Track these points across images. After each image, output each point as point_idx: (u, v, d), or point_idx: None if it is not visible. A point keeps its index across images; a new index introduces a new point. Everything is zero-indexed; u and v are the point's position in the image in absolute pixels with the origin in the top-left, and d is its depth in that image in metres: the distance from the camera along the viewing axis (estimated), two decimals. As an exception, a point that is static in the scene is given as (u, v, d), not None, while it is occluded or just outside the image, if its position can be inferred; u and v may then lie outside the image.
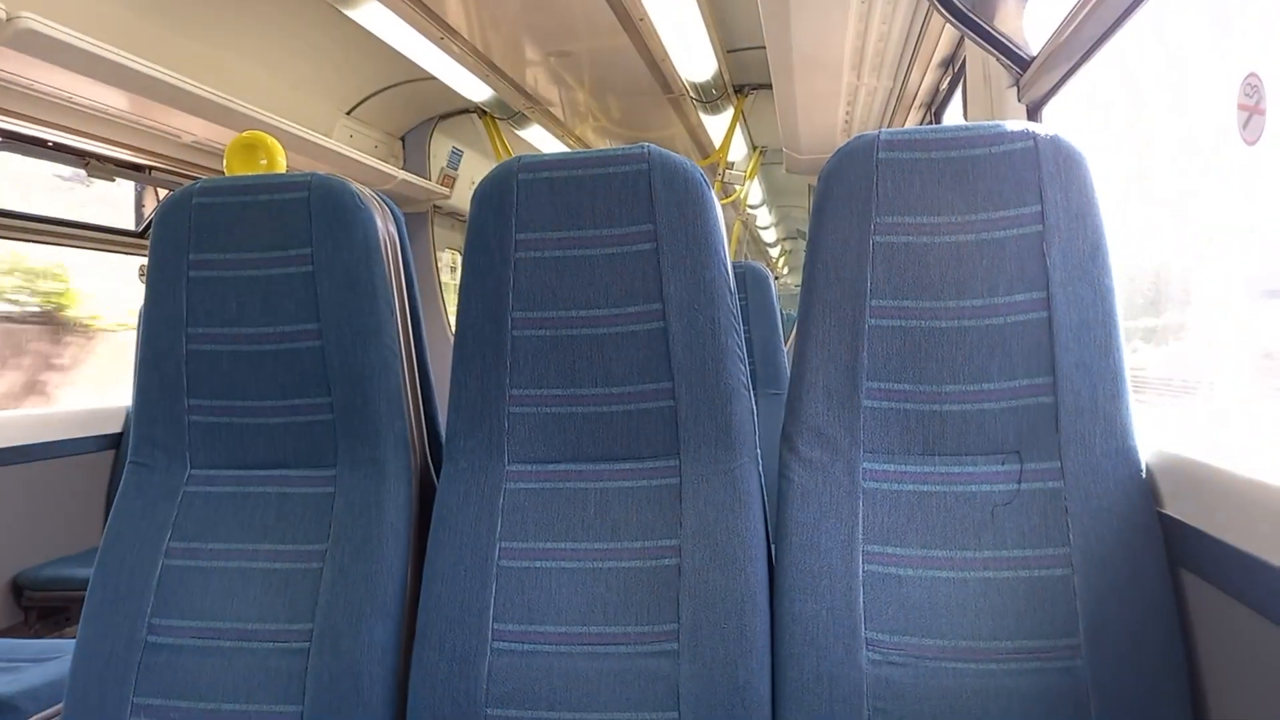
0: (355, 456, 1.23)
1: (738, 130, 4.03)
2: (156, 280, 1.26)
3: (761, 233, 8.42)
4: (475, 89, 3.47)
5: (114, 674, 1.16)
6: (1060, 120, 1.70)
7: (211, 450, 1.26)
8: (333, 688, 1.12)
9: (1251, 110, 1.06)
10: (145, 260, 1.30)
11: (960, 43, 2.31)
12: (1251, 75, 1.06)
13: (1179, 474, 1.03)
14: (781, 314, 2.71)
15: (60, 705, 1.20)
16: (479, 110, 3.94)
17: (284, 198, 1.24)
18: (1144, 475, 1.05)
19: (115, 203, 3.61)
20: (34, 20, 1.81)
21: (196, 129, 2.58)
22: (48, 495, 2.77)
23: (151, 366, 1.26)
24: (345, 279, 1.22)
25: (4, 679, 1.67)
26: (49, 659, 1.84)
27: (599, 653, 1.10)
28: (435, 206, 4.28)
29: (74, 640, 1.20)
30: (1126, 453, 1.06)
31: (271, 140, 2.09)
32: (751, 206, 6.61)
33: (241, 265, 1.24)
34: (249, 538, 1.22)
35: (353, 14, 2.65)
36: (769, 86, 3.00)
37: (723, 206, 1.23)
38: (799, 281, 1.20)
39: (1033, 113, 1.76)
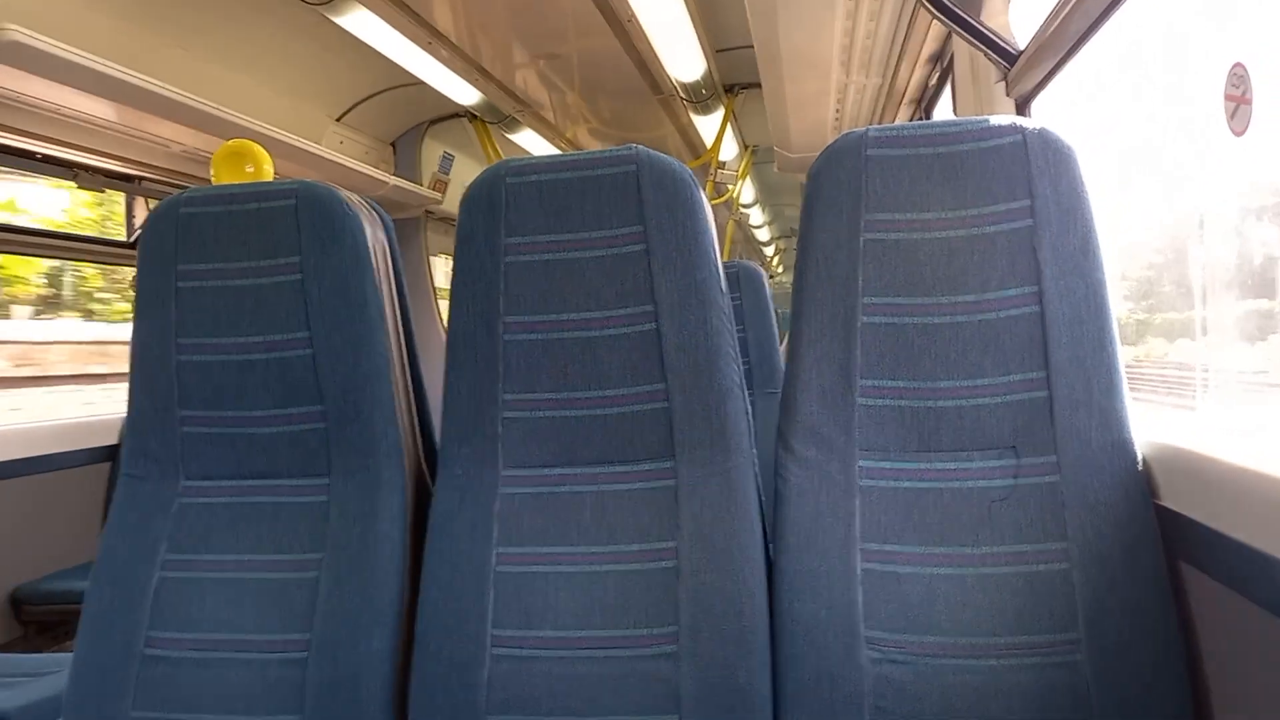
0: (349, 465, 1.22)
1: (729, 130, 4.02)
2: (146, 291, 1.26)
3: (755, 232, 8.43)
4: (465, 93, 3.46)
5: (112, 687, 1.15)
6: (1049, 114, 1.70)
7: (205, 461, 1.26)
8: (332, 697, 1.12)
9: (1238, 100, 1.06)
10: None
11: (948, 38, 2.31)
12: (1237, 65, 1.06)
13: (1175, 465, 1.02)
14: (777, 313, 2.70)
15: None
16: (469, 114, 3.93)
17: (271, 206, 1.23)
18: (1140, 467, 1.05)
19: None
20: (18, 32, 1.80)
21: (185, 138, 2.57)
22: (45, 508, 2.76)
23: (143, 378, 1.26)
24: (334, 287, 1.22)
25: (3, 695, 1.66)
26: (47, 673, 1.83)
27: (598, 656, 1.10)
28: (428, 212, 4.27)
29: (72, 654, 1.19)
30: (1122, 445, 1.06)
31: (258, 148, 2.08)
32: (744, 206, 6.61)
33: (229, 275, 1.23)
34: (244, 548, 1.21)
35: (340, 20, 2.64)
36: (759, 85, 2.99)
37: (715, 206, 1.23)
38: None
39: (1021, 107, 1.75)
